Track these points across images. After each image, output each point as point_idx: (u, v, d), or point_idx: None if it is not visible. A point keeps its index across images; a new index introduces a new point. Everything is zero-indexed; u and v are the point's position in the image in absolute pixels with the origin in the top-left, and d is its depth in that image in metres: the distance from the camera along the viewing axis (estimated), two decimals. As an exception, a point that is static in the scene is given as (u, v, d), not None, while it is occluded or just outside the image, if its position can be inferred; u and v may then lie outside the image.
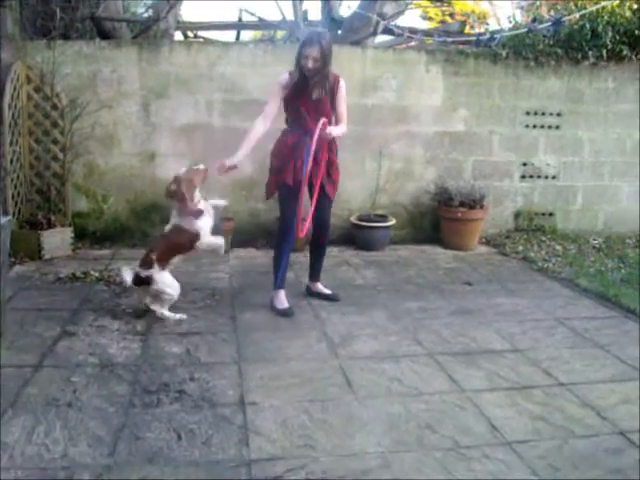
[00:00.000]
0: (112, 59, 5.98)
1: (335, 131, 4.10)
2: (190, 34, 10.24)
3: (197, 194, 4.18)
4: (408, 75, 6.45)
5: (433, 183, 6.52)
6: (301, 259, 5.23)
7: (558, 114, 6.78)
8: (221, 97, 6.18)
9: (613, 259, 5.99)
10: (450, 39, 7.15)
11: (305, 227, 4.17)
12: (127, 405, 2.95)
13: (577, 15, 6.47)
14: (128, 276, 4.00)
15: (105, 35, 6.78)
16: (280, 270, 4.32)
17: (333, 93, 4.16)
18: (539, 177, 6.89)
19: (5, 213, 4.99)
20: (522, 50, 6.53)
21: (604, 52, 6.52)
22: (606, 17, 6.50)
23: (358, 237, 6.30)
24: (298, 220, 4.15)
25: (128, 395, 3.06)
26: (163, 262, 4.08)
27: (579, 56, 6.58)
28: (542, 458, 2.60)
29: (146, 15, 9.18)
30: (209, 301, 4.56)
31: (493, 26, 12.90)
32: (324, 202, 4.30)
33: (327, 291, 4.67)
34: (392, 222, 6.28)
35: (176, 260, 4.20)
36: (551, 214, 6.98)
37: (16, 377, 3.19)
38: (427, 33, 8.24)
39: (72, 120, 5.74)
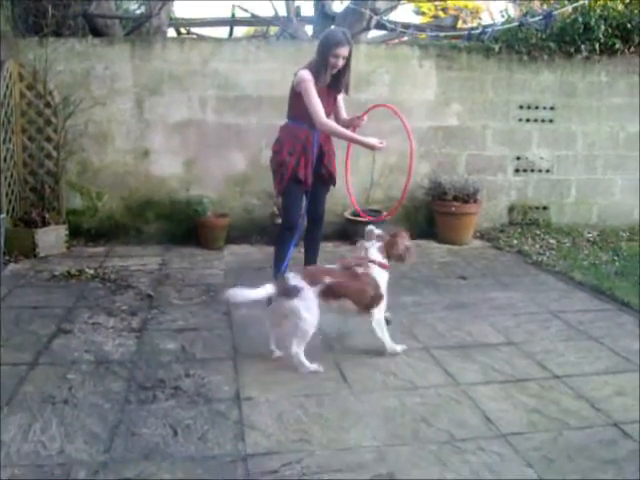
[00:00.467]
0: (105, 56, 5.97)
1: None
2: (183, 31, 10.24)
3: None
4: (401, 70, 6.45)
5: (427, 178, 6.53)
6: (295, 254, 5.22)
7: (551, 108, 6.79)
8: (214, 93, 6.17)
9: (607, 252, 6.01)
10: (443, 34, 7.16)
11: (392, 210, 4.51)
12: (123, 402, 2.96)
13: (569, 8, 6.48)
14: None
15: (97, 32, 6.76)
16: (283, 266, 4.30)
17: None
18: (533, 171, 6.90)
19: (-1, 211, 5.00)
20: (515, 44, 6.54)
21: (597, 46, 6.53)
22: (598, 11, 6.52)
23: (352, 232, 6.30)
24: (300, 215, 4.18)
25: (124, 392, 3.06)
26: None
27: (572, 50, 6.59)
28: (537, 450, 2.62)
29: (139, 12, 9.14)
30: (204, 297, 4.56)
31: (486, 21, 12.95)
32: (321, 194, 4.33)
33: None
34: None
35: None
36: (545, 208, 6.99)
37: (12, 375, 3.19)
38: (420, 28, 8.25)
39: (65, 117, 5.74)
